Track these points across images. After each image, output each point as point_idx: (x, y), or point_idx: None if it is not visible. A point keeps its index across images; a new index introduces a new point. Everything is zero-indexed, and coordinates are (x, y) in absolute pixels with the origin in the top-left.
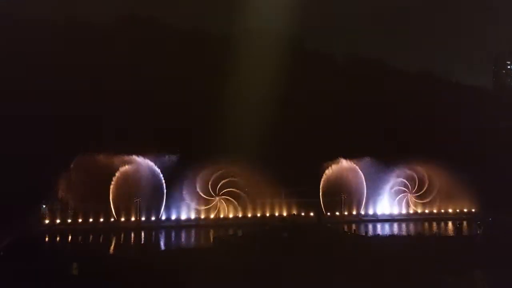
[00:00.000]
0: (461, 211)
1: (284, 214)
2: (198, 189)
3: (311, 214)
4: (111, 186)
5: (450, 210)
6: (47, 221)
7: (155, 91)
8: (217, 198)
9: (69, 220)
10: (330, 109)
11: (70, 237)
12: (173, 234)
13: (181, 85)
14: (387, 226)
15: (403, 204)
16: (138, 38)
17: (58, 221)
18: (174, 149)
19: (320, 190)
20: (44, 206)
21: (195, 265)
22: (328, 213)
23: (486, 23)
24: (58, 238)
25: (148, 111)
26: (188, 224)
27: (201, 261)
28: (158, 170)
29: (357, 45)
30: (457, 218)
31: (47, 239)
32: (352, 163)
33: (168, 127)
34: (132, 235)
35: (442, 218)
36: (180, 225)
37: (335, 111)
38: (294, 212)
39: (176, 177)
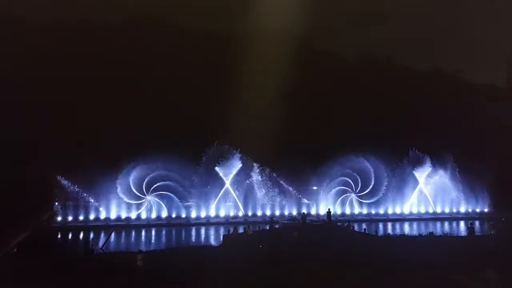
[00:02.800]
0: (473, 211)
1: (294, 212)
2: (209, 187)
3: (321, 212)
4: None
5: (462, 210)
6: (59, 218)
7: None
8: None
9: (81, 217)
10: (340, 107)
11: (82, 234)
12: (183, 232)
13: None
14: (398, 225)
15: (413, 203)
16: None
17: (70, 218)
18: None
19: (332, 188)
20: (56, 203)
21: (204, 262)
22: (338, 212)
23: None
24: (70, 235)
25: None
26: (198, 222)
27: (211, 258)
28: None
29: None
30: (469, 218)
31: (59, 236)
32: (363, 161)
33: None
34: (143, 232)
35: (453, 218)
36: (190, 223)
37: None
38: (304, 210)
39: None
